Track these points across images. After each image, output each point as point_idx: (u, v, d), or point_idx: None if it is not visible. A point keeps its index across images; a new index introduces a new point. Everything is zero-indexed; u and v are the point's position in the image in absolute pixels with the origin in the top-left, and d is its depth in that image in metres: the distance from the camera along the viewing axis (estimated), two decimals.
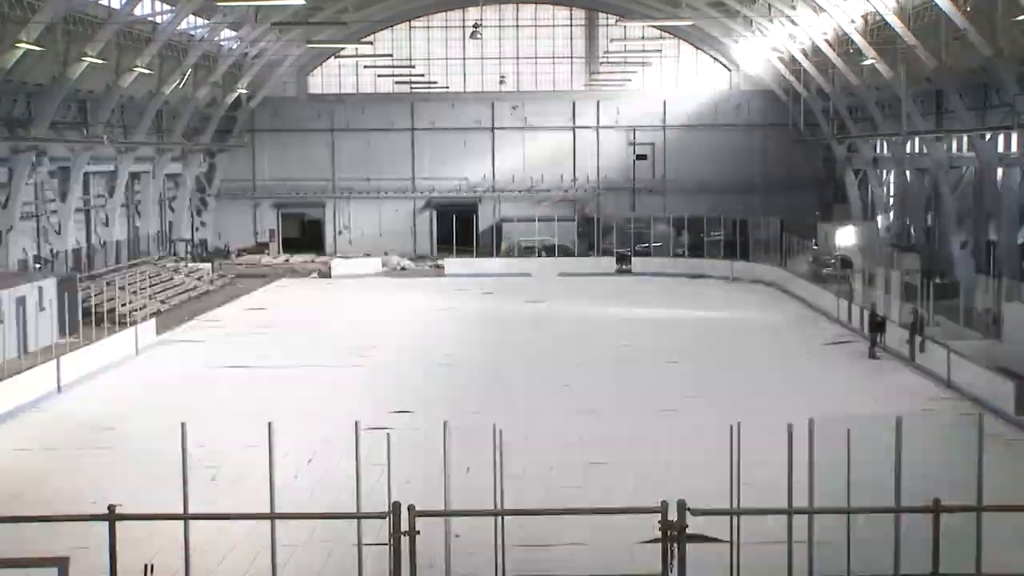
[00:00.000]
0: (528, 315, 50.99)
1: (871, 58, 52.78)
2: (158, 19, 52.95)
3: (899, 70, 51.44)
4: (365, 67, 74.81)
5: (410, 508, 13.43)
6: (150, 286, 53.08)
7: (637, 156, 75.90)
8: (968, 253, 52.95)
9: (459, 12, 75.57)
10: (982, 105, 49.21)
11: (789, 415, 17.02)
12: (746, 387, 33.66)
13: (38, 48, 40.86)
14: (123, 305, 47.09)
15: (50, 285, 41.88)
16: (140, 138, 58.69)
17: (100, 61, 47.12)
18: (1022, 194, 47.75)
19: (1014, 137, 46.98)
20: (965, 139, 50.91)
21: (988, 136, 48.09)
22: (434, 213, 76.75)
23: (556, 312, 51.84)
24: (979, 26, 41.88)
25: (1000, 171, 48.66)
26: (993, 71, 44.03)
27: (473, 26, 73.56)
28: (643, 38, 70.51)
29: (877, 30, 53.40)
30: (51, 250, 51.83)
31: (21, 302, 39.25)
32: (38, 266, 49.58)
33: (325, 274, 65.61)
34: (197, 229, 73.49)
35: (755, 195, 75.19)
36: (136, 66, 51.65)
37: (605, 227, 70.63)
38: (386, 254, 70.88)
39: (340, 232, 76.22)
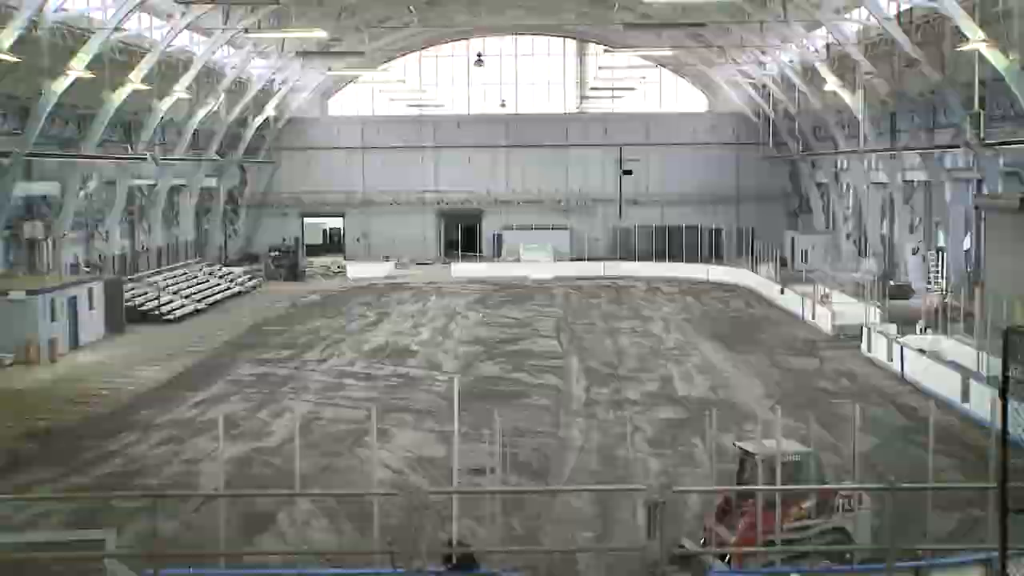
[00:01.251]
0: (522, 305, 52.00)
1: (833, 84, 52.84)
2: (195, 50, 53.10)
3: (858, 94, 51.60)
4: (380, 92, 75.19)
5: (419, 488, 13.48)
6: (187, 287, 53.33)
7: (624, 171, 76.08)
8: (920, 258, 53.15)
9: (463, 42, 75.72)
10: (931, 125, 49.22)
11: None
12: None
13: (88, 75, 41.00)
14: (163, 305, 47.26)
15: (99, 287, 42.05)
16: (179, 155, 58.74)
17: (144, 87, 47.20)
18: (967, 205, 47.86)
19: (960, 154, 46.97)
20: (916, 156, 50.91)
21: (937, 154, 48.19)
22: (442, 222, 76.94)
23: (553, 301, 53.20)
24: (929, 55, 42.08)
25: (947, 185, 48.76)
26: (941, 95, 44.16)
27: (477, 55, 73.93)
28: (628, 66, 70.56)
29: (838, 59, 53.57)
30: (99, 255, 51.90)
31: (72, 302, 39.47)
32: (87, 269, 49.60)
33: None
34: (229, 237, 73.53)
35: (729, 206, 75.58)
36: (174, 91, 51.81)
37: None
38: (399, 259, 71.32)
39: (358, 239, 76.29)
